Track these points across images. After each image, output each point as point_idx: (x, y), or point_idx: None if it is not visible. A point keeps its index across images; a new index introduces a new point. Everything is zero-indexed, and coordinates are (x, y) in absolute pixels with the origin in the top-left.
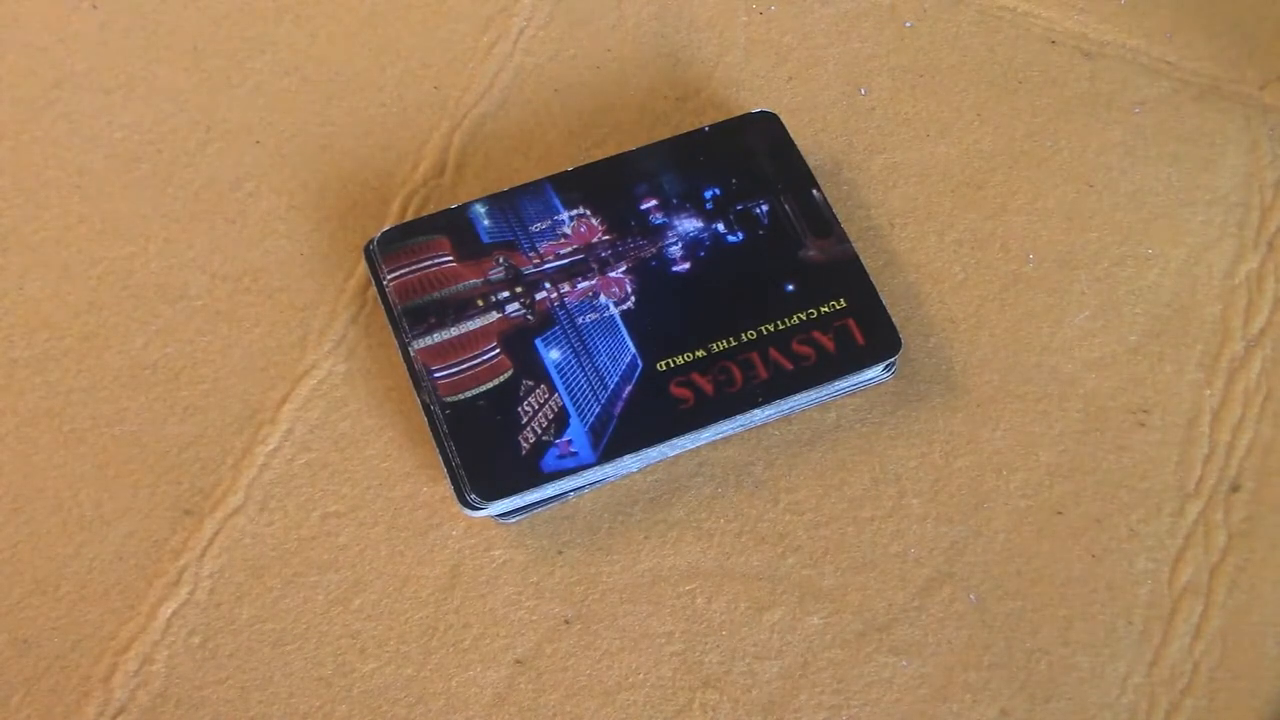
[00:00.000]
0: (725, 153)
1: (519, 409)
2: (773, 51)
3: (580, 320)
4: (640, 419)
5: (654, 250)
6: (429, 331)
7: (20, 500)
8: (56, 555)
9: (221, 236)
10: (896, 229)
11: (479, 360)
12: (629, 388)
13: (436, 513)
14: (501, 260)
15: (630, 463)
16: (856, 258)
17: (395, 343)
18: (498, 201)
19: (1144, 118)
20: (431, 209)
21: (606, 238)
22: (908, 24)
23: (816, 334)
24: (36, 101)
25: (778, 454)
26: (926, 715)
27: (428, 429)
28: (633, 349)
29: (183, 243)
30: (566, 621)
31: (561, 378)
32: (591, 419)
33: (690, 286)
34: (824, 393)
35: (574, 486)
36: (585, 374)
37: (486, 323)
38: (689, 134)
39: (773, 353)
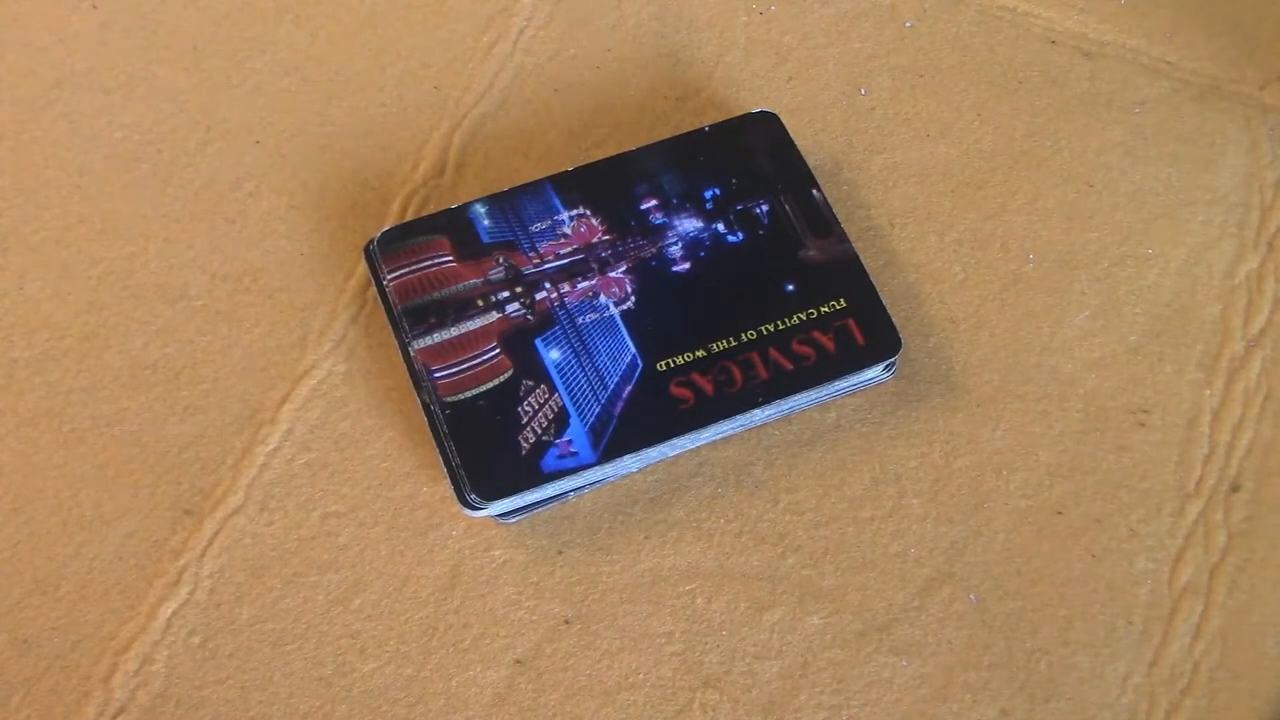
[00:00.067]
0: (725, 153)
1: (519, 409)
2: (773, 51)
3: (580, 320)
4: (640, 419)
5: (654, 250)
6: (429, 331)
7: (20, 500)
8: (56, 555)
9: (221, 236)
10: (896, 229)
11: (479, 360)
12: (629, 388)
13: (436, 513)
14: (501, 260)
15: (630, 463)
16: (856, 258)
17: (395, 343)
18: (498, 201)
19: (1144, 118)
20: (431, 209)
21: (606, 238)
22: (908, 24)
23: (816, 334)
24: (36, 101)
25: (778, 454)
26: (926, 715)
27: (428, 429)
28: (633, 349)
29: (183, 243)
30: (566, 621)
31: (561, 378)
32: (591, 419)
33: (690, 286)
34: (824, 393)
35: (574, 486)
36: (585, 374)
37: (486, 323)
38: (689, 134)
39: (773, 353)
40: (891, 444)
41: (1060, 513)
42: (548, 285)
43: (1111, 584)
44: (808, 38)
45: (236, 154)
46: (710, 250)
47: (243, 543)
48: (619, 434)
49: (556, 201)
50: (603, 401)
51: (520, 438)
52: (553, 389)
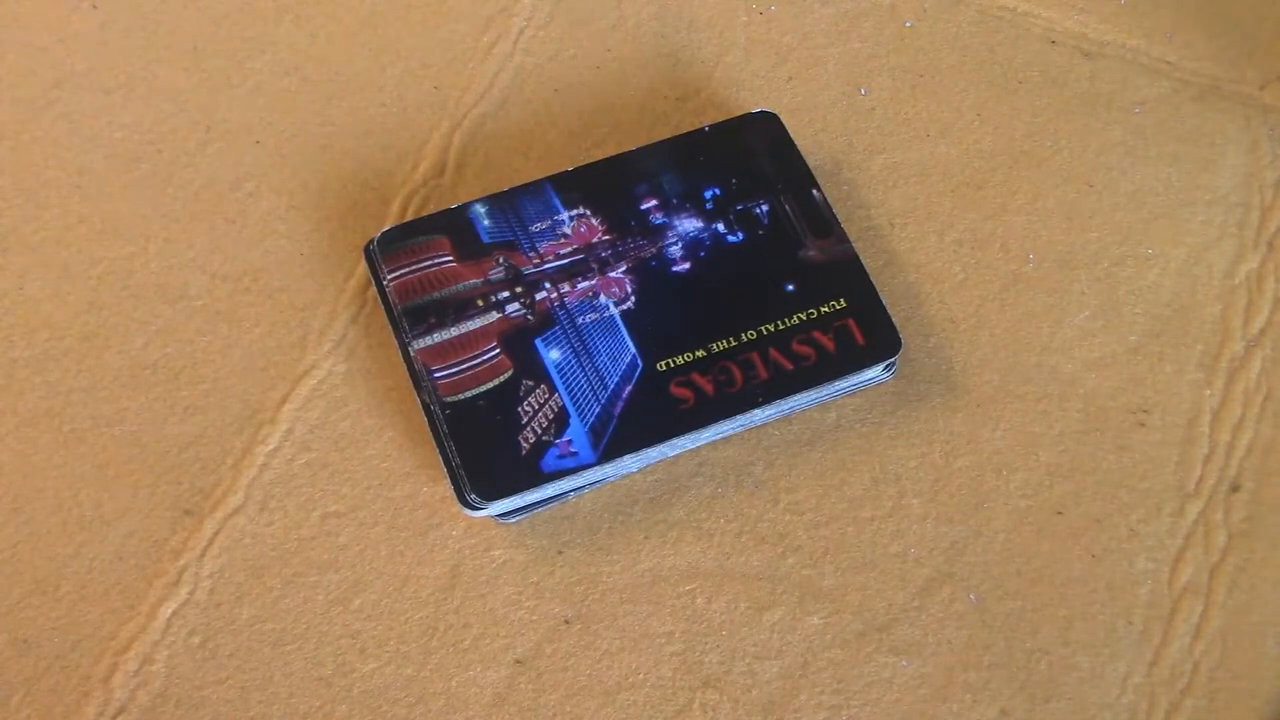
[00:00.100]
0: (725, 153)
1: (519, 409)
2: (773, 51)
3: (580, 320)
4: (640, 419)
5: (654, 250)
6: (429, 331)
7: (20, 500)
8: (56, 555)
9: (221, 236)
10: (896, 229)
11: (479, 360)
12: (629, 388)
13: (436, 513)
14: (501, 260)
15: (630, 463)
16: (856, 258)
17: (395, 343)
18: (498, 201)
19: (1144, 118)
20: (431, 209)
21: (606, 238)
22: (908, 24)
23: (816, 334)
24: (36, 101)
25: (778, 454)
26: (926, 715)
27: (428, 429)
28: (633, 349)
29: (183, 243)
30: (566, 621)
31: (561, 378)
32: (591, 419)
33: (690, 286)
34: (824, 393)
35: (574, 486)
36: (585, 374)
37: (486, 323)
38: (689, 134)
39: (773, 353)
40: (891, 444)
41: (1060, 513)
42: (548, 285)
43: (1111, 584)
44: (808, 38)
45: (236, 154)
46: (710, 250)
47: (243, 543)
48: (619, 434)
49: (556, 201)
50: (603, 401)
51: (520, 438)
52: (553, 389)
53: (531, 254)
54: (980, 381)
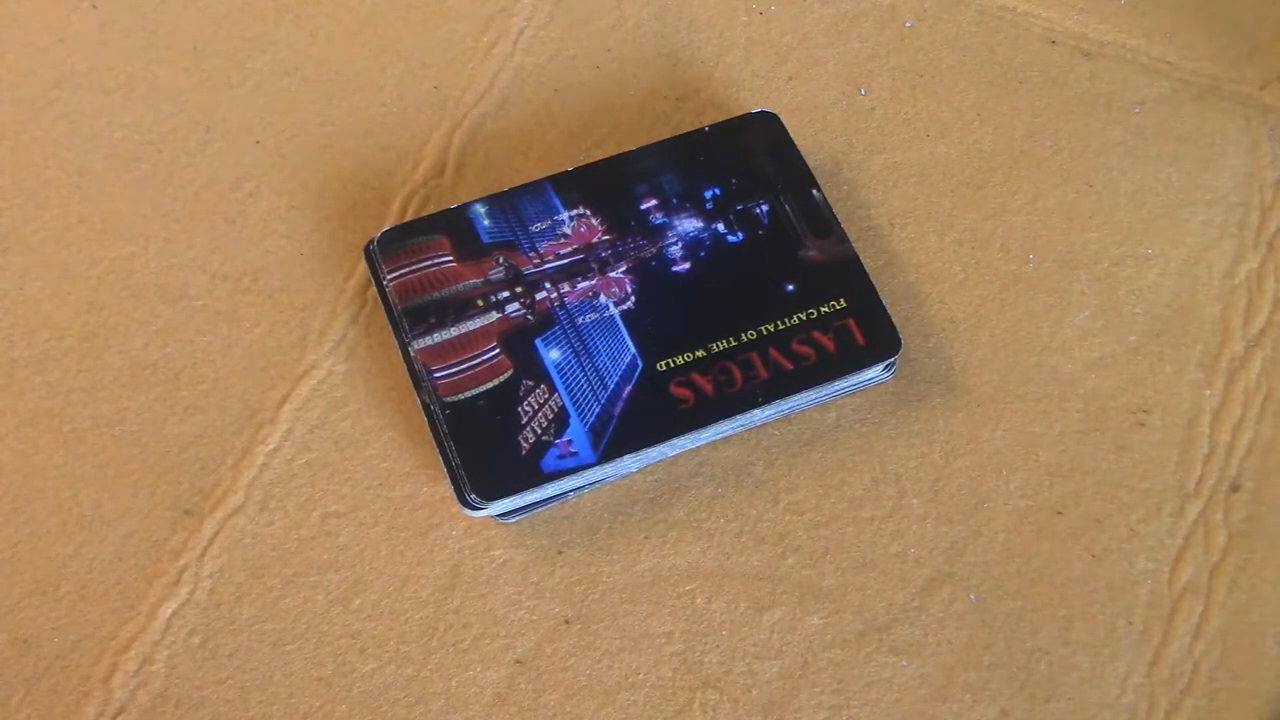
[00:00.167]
0: (725, 153)
1: (519, 409)
2: (773, 51)
3: (580, 320)
4: (640, 419)
5: (654, 250)
6: (429, 331)
7: (20, 500)
8: (56, 555)
9: (221, 236)
10: (896, 229)
11: (479, 360)
12: (629, 388)
13: (436, 513)
14: (501, 260)
15: (630, 463)
16: (856, 258)
17: (395, 343)
18: (498, 201)
19: (1144, 118)
20: (431, 209)
21: (606, 238)
22: (908, 24)
23: (816, 334)
24: (36, 101)
25: (778, 454)
26: (926, 715)
27: (428, 429)
28: (633, 349)
29: (183, 243)
30: (566, 621)
31: (561, 378)
32: (591, 419)
33: (690, 286)
34: (824, 393)
35: (574, 486)
36: (585, 374)
37: (486, 323)
38: (689, 134)
39: (773, 353)
40: (891, 444)
41: (1060, 513)
42: (548, 285)
43: (1111, 584)
44: (808, 38)
45: (236, 154)
46: (710, 250)
47: (243, 543)
48: (619, 434)
49: (556, 201)
50: (603, 401)
51: (520, 438)
52: (553, 389)
53: (531, 254)
54: (980, 381)
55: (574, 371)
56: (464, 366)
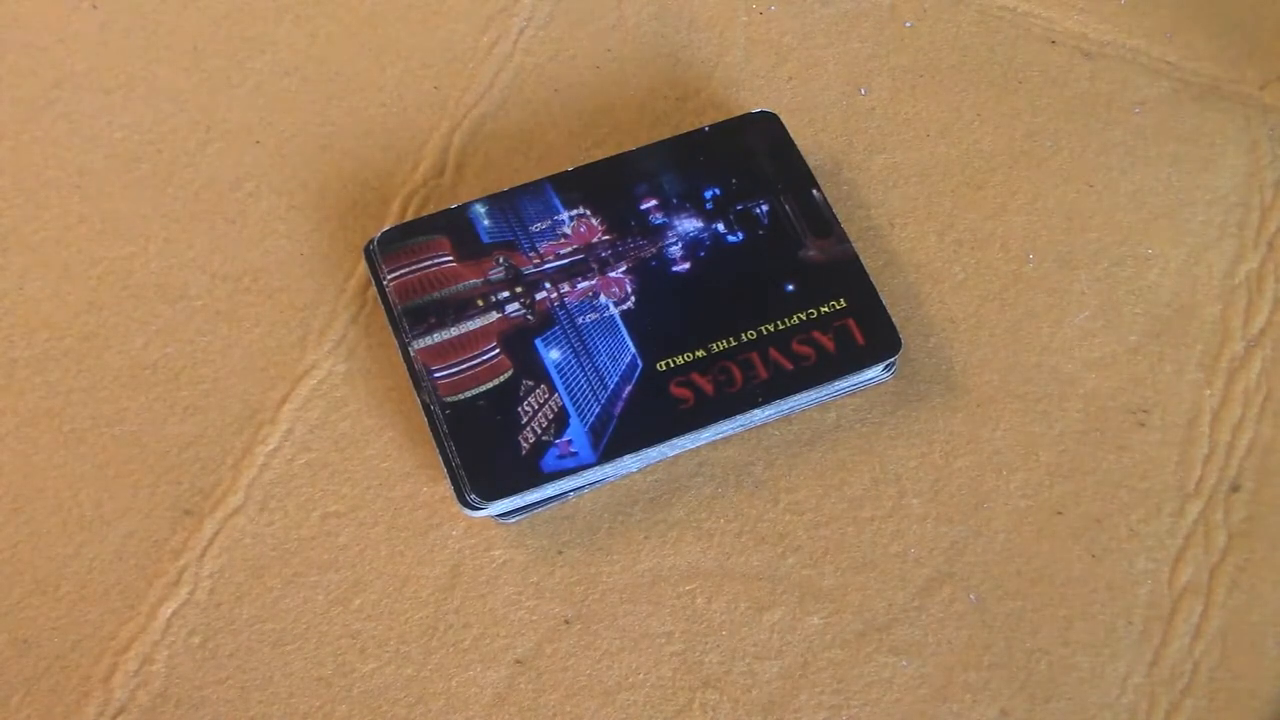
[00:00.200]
0: (725, 153)
1: (519, 409)
2: (773, 51)
3: (580, 320)
4: (640, 419)
5: (654, 250)
6: (429, 331)
7: (20, 500)
8: (56, 555)
9: (221, 236)
10: (896, 229)
11: (479, 360)
12: (629, 388)
13: (436, 513)
14: (501, 260)
15: (630, 463)
16: (856, 258)
17: (395, 343)
18: (498, 201)
19: (1144, 118)
20: (431, 209)
21: (606, 238)
22: (908, 24)
23: (816, 334)
24: (36, 101)
25: (778, 454)
26: (926, 715)
27: (428, 429)
28: (633, 349)
29: (183, 243)
30: (566, 621)
31: (561, 378)
32: (591, 419)
33: (690, 286)
34: (824, 393)
35: (574, 486)
36: (585, 374)
37: (486, 323)
38: (689, 134)
39: (773, 353)
40: (891, 444)
41: (1060, 513)
42: (548, 285)
43: (1111, 584)
44: (808, 38)
45: (236, 154)
46: (710, 250)
47: (243, 543)
48: (619, 434)
49: (556, 201)
50: (603, 401)
51: (520, 438)
52: (553, 389)
53: (531, 254)
54: (980, 381)
55: (574, 371)
56: (464, 366)
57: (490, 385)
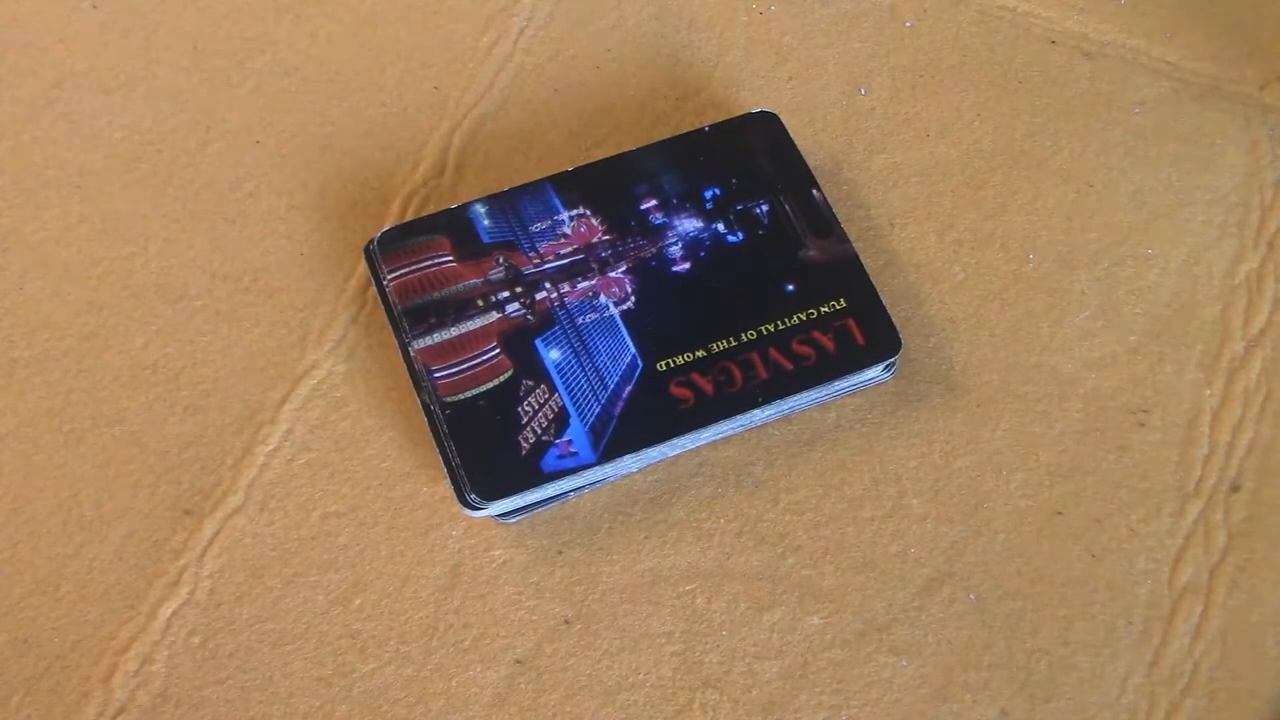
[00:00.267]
0: (725, 153)
1: (519, 409)
2: (773, 51)
3: (580, 320)
4: (640, 419)
5: (654, 250)
6: (429, 331)
7: (20, 500)
8: (56, 555)
9: (221, 236)
10: (896, 229)
11: (479, 360)
12: (629, 388)
13: (436, 513)
14: (501, 260)
15: (630, 463)
16: (856, 258)
17: (395, 343)
18: (498, 201)
19: (1144, 118)
20: (431, 209)
21: (606, 238)
22: (908, 24)
23: (816, 334)
24: (36, 101)
25: (778, 454)
26: (926, 715)
27: (428, 429)
28: (633, 349)
29: (183, 243)
30: (566, 621)
31: (561, 378)
32: (591, 419)
33: (690, 286)
34: (824, 393)
35: (574, 486)
36: (585, 374)
37: (486, 323)
38: (689, 134)
39: (773, 353)
40: (891, 444)
41: (1060, 513)
42: (548, 285)
43: (1111, 584)
44: (808, 38)
45: (236, 154)
46: (710, 250)
47: (243, 543)
48: (619, 434)
49: (556, 201)
50: (603, 401)
51: (520, 438)
52: (553, 389)
53: (531, 254)
54: (980, 381)
55: (574, 371)
56: (464, 366)
57: (490, 385)
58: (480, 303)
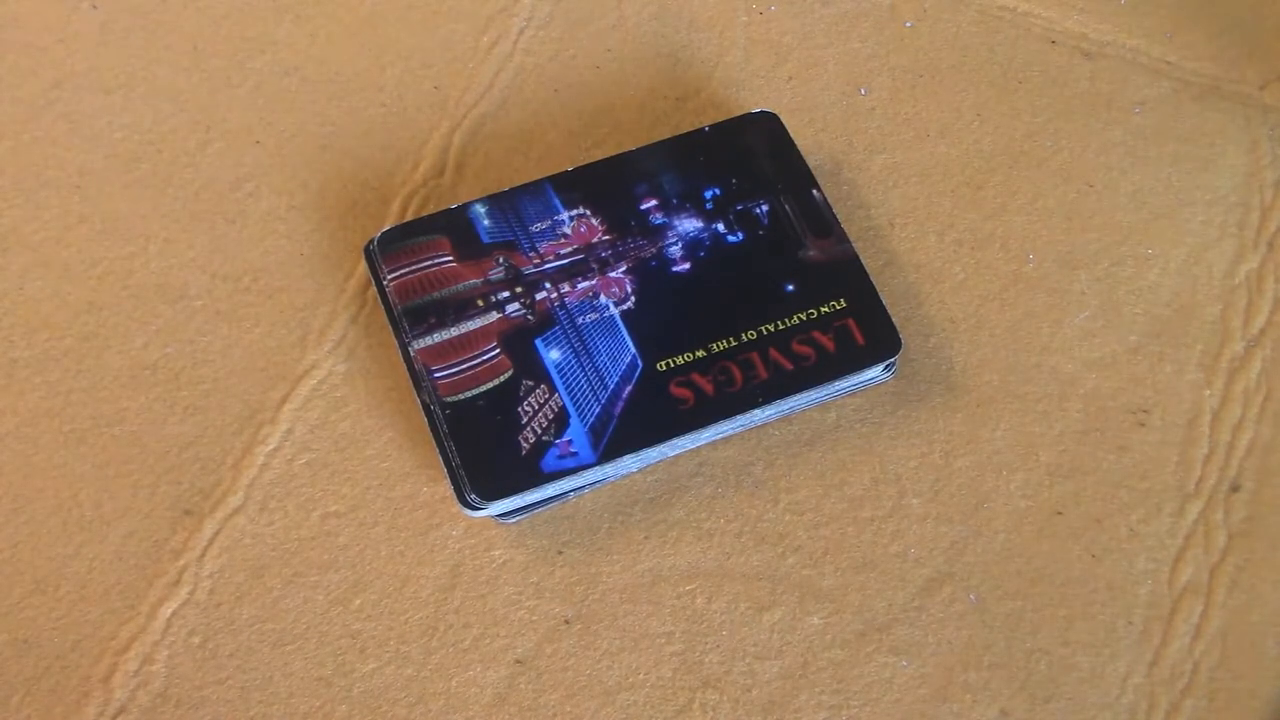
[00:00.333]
0: (725, 153)
1: (519, 409)
2: (773, 51)
3: (580, 320)
4: (640, 419)
5: (654, 250)
6: (429, 331)
7: (20, 500)
8: (56, 555)
9: (221, 236)
10: (896, 229)
11: (479, 360)
12: (629, 388)
13: (436, 513)
14: (501, 260)
15: (630, 463)
16: (856, 258)
17: (395, 343)
18: (498, 201)
19: (1144, 118)
20: (431, 209)
21: (606, 238)
22: (908, 24)
23: (816, 334)
24: (36, 101)
25: (778, 454)
26: (926, 715)
27: (428, 429)
28: (633, 349)
29: (183, 243)
30: (566, 621)
31: (561, 378)
32: (591, 419)
33: (690, 286)
34: (824, 393)
35: (574, 486)
36: (585, 374)
37: (486, 323)
38: (689, 134)
39: (773, 353)
40: (891, 444)
41: (1060, 513)
42: (548, 285)
43: (1111, 584)
44: (808, 38)
45: (236, 154)
46: (710, 250)
47: (243, 543)
48: (619, 434)
49: (556, 201)
50: (603, 401)
51: (520, 438)
52: (553, 389)
53: (531, 254)
54: (980, 381)
55: (574, 371)
56: (464, 366)
57: (490, 385)
58: (480, 303)
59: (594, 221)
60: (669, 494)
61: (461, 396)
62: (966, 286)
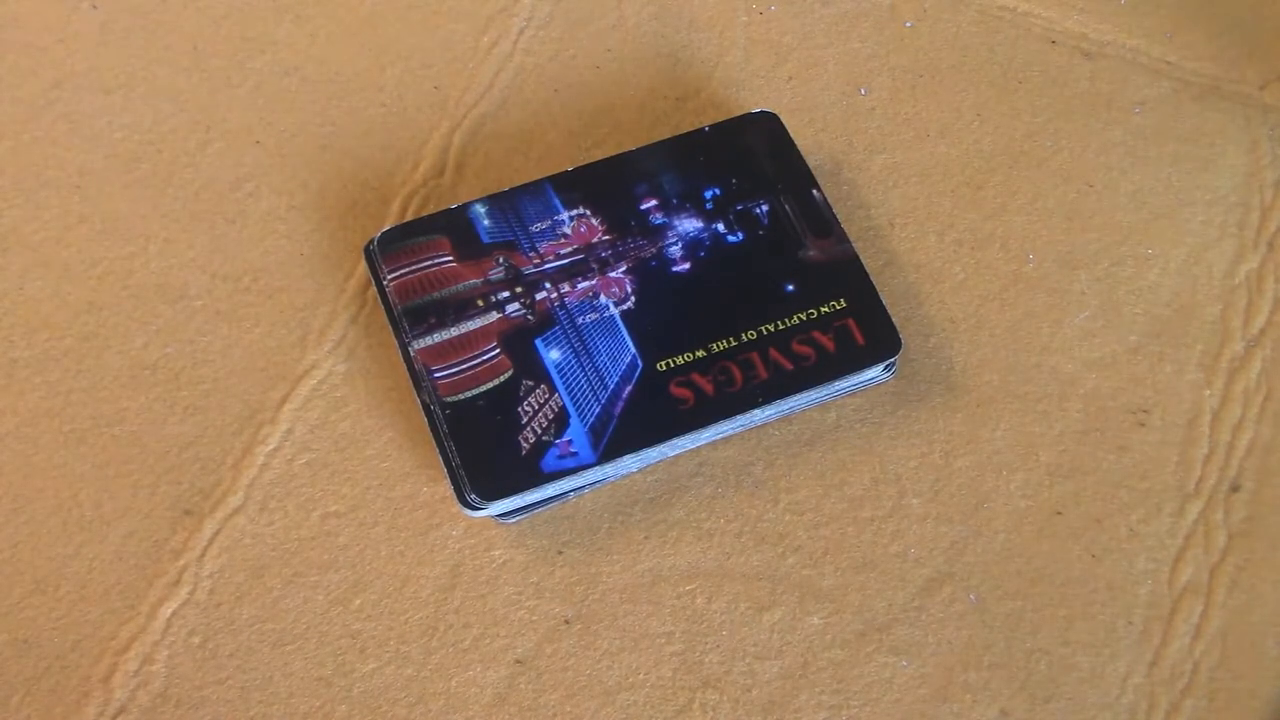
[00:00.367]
0: (725, 153)
1: (519, 409)
2: (773, 51)
3: (580, 320)
4: (640, 419)
5: (654, 250)
6: (429, 331)
7: (20, 500)
8: (56, 555)
9: (221, 236)
10: (896, 229)
11: (479, 360)
12: (629, 388)
13: (436, 513)
14: (501, 260)
15: (630, 463)
16: (856, 258)
17: (395, 343)
18: (498, 201)
19: (1144, 118)
20: (431, 209)
21: (606, 238)
22: (908, 24)
23: (816, 334)
24: (36, 101)
25: (778, 454)
26: (926, 715)
27: (428, 429)
28: (633, 349)
29: (183, 243)
30: (566, 621)
31: (561, 378)
32: (591, 419)
33: (690, 286)
34: (824, 393)
35: (574, 486)
36: (585, 374)
37: (486, 323)
38: (689, 134)
39: (773, 353)
40: (891, 444)
41: (1060, 513)
42: (548, 285)
43: (1111, 584)
44: (808, 38)
45: (236, 154)
46: (710, 250)
47: (243, 543)
48: (619, 434)
49: (556, 201)
50: (603, 401)
51: (520, 438)
52: (553, 389)
53: (531, 254)
54: (980, 381)
55: (574, 371)
56: (464, 366)
57: (490, 385)
58: (480, 303)
59: (594, 221)
60: (669, 494)
61: (461, 396)
62: (966, 286)
